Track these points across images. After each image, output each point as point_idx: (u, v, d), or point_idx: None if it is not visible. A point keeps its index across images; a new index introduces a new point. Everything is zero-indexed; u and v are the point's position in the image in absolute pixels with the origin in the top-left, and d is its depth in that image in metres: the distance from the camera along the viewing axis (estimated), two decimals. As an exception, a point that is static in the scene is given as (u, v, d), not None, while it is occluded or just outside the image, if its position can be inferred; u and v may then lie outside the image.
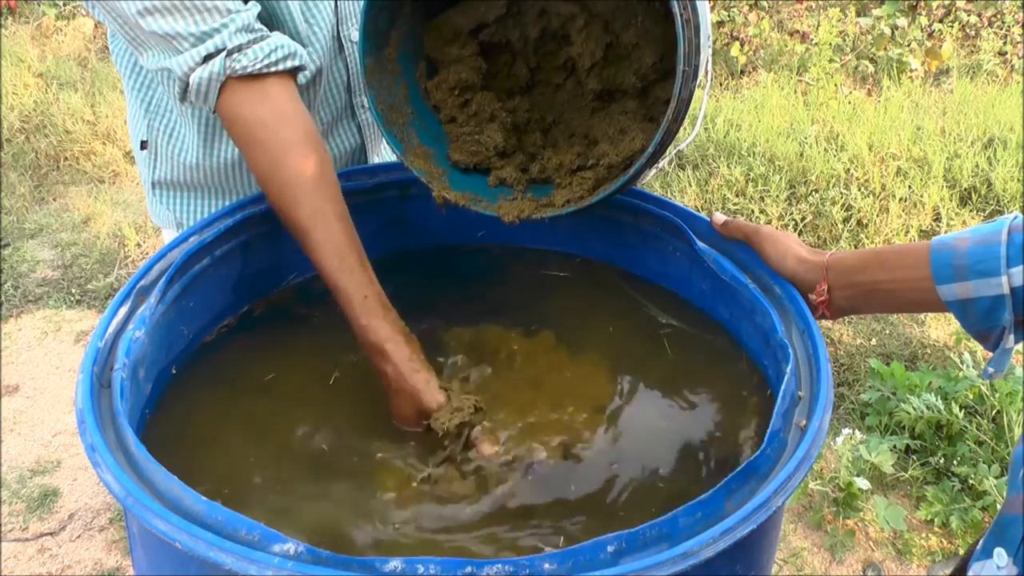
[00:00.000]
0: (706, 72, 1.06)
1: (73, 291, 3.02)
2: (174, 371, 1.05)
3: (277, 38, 1.07)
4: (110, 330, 0.93)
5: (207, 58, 1.03)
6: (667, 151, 1.06)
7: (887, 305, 1.00)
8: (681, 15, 0.95)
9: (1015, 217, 0.87)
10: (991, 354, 0.92)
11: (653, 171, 1.10)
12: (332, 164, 1.10)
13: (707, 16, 1.05)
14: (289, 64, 1.07)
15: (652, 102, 1.16)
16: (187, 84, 1.05)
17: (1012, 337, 0.87)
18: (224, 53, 1.03)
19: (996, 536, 0.80)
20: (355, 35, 1.25)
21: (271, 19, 1.13)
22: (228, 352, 1.10)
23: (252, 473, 0.95)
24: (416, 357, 1.02)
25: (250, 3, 1.07)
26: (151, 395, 1.00)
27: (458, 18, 1.18)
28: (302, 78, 1.15)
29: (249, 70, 1.04)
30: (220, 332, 1.13)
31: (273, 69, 1.06)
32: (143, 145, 1.30)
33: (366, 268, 1.05)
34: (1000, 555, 0.77)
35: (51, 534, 2.15)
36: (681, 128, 1.03)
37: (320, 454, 0.98)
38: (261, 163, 1.06)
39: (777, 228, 1.08)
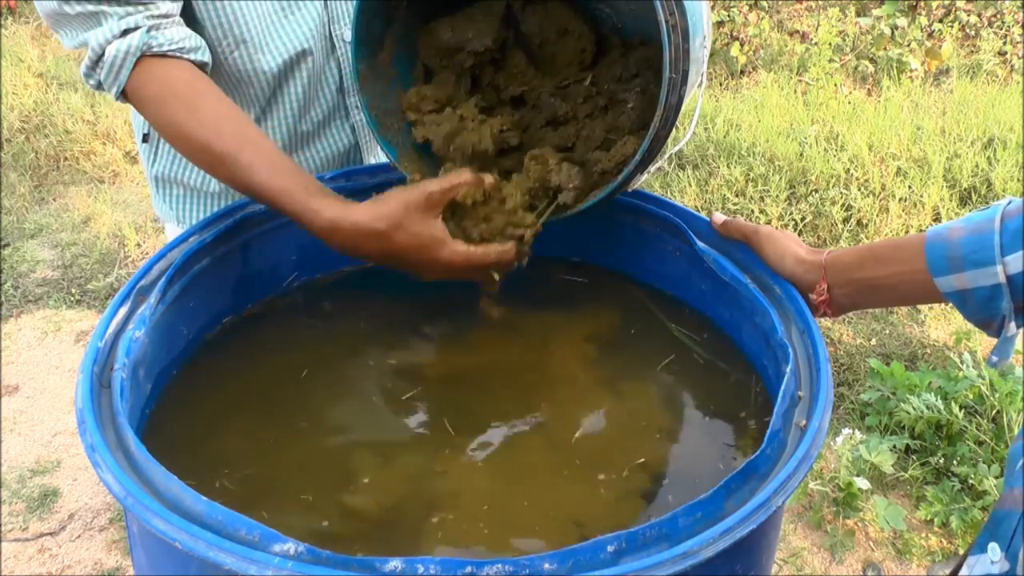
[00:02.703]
0: (699, 72, 1.06)
1: (73, 291, 3.02)
2: (174, 371, 1.05)
3: (187, 29, 1.10)
4: (110, 330, 0.93)
5: (125, 32, 1.05)
6: (657, 156, 1.06)
7: (888, 299, 0.99)
8: (667, 21, 0.94)
9: (1008, 202, 0.86)
10: (990, 354, 0.92)
11: (645, 175, 1.09)
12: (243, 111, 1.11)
13: (704, 18, 1.04)
14: (199, 56, 1.10)
15: (646, 106, 1.15)
16: (100, 57, 1.06)
17: (1013, 324, 0.87)
18: (144, 29, 1.05)
19: (991, 531, 0.80)
20: (347, 35, 1.25)
21: (218, 20, 1.15)
22: (228, 352, 1.10)
23: (252, 473, 0.95)
24: (378, 196, 0.97)
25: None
26: (151, 395, 1.00)
27: (445, 32, 1.16)
28: (263, 90, 1.18)
29: (164, 48, 1.06)
30: (220, 332, 1.13)
31: (186, 55, 1.08)
32: (145, 138, 1.30)
33: (301, 170, 1.02)
34: (994, 550, 0.77)
35: (51, 534, 2.15)
36: (678, 128, 1.03)
37: (320, 453, 0.98)
38: (176, 115, 1.05)
39: (777, 228, 1.08)
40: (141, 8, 1.06)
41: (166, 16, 1.08)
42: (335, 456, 0.98)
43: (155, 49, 1.06)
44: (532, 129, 1.18)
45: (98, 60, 1.07)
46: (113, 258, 3.18)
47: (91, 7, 1.05)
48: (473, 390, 1.07)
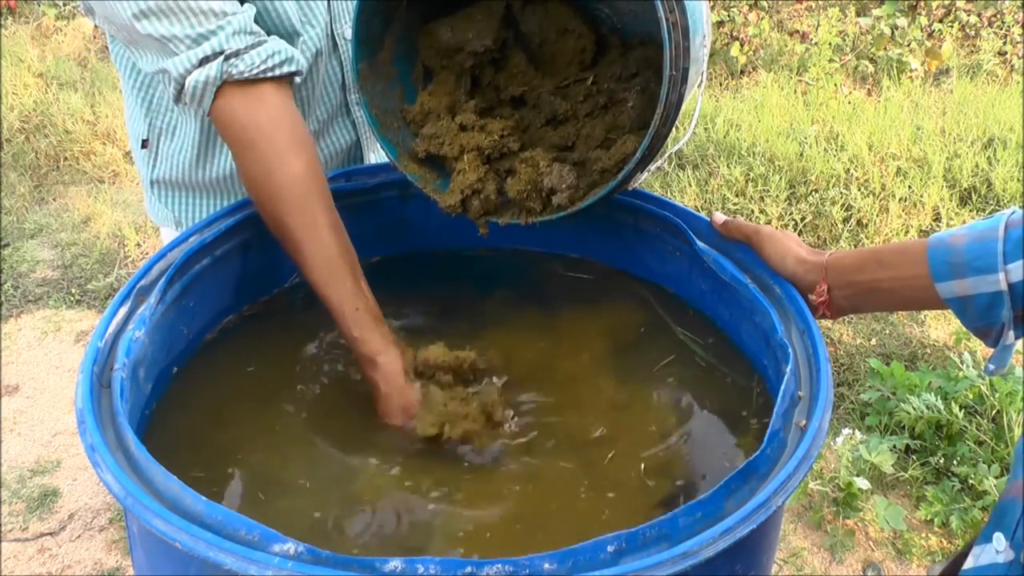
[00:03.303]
0: (699, 71, 1.06)
1: (73, 291, 3.02)
2: (174, 371, 1.05)
3: (274, 43, 1.07)
4: (110, 330, 0.93)
5: (203, 61, 1.02)
6: (657, 155, 1.06)
7: (887, 303, 1.00)
8: (667, 19, 0.94)
9: (1012, 212, 0.87)
10: (992, 351, 0.91)
11: (645, 173, 1.09)
12: (323, 171, 1.09)
13: (704, 17, 1.04)
14: (285, 69, 1.07)
15: (646, 104, 1.15)
16: (183, 86, 1.04)
17: (1012, 333, 0.87)
18: (221, 57, 1.02)
19: (995, 521, 0.80)
20: (349, 33, 1.25)
21: (266, 18, 1.13)
22: (228, 352, 1.10)
23: (252, 473, 0.95)
24: (408, 369, 1.03)
25: (246, 5, 1.07)
26: (151, 395, 1.00)
27: (445, 32, 1.16)
28: (297, 79, 1.15)
29: (246, 75, 1.03)
30: (220, 332, 1.13)
31: (269, 74, 1.05)
32: (144, 144, 1.30)
33: (358, 279, 1.05)
34: (999, 539, 0.78)
35: (51, 534, 2.15)
36: (677, 128, 1.02)
37: (321, 453, 0.98)
38: (254, 169, 1.05)
39: (777, 228, 1.08)
40: (212, 32, 1.02)
41: (243, 32, 1.04)
42: (338, 455, 0.98)
43: (236, 77, 1.03)
44: (532, 129, 1.18)
45: (181, 90, 1.05)
46: (113, 258, 3.18)
47: (162, 31, 1.02)
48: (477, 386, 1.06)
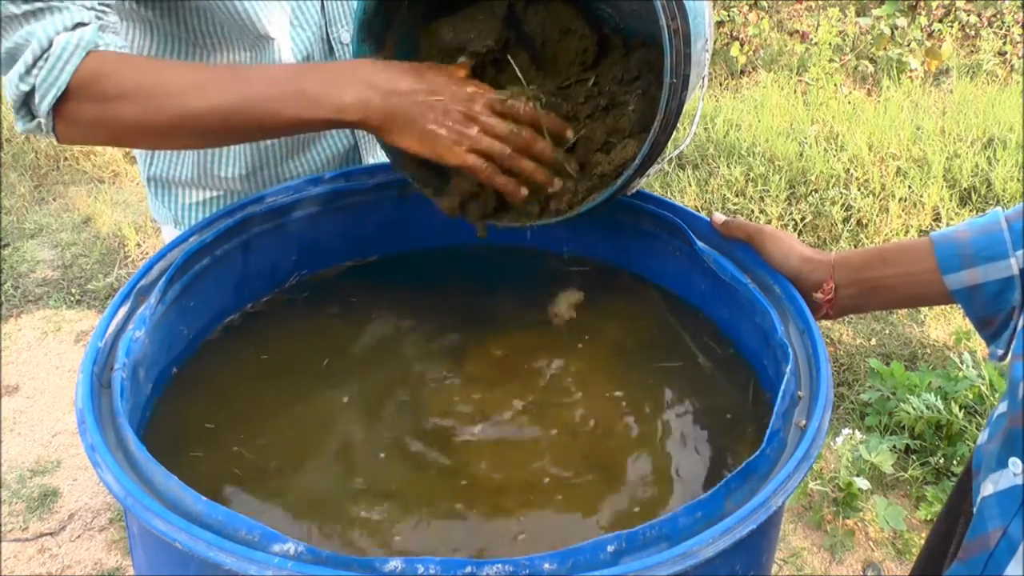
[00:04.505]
0: (701, 75, 1.06)
1: (73, 291, 3.03)
2: (174, 371, 1.05)
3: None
4: (110, 330, 0.93)
5: (77, 26, 0.97)
6: (657, 160, 1.06)
7: (890, 301, 1.02)
8: (669, 25, 0.94)
9: (1004, 210, 0.93)
10: (990, 353, 0.96)
11: (645, 178, 1.09)
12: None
13: (706, 21, 1.03)
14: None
15: (647, 108, 1.15)
16: (44, 51, 0.96)
17: (1023, 318, 0.91)
18: (95, 26, 0.98)
19: (1007, 448, 0.84)
20: (345, 37, 1.25)
21: (225, 17, 1.12)
22: (228, 352, 1.10)
23: (253, 473, 0.95)
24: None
25: None
26: (151, 395, 1.00)
27: (447, 33, 1.16)
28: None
29: (112, 50, 0.99)
30: (221, 332, 1.13)
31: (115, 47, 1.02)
32: None
33: (270, 67, 1.00)
34: (1015, 463, 0.82)
35: (51, 534, 2.15)
36: (678, 129, 1.02)
37: (322, 453, 0.98)
38: (151, 104, 0.98)
39: (777, 228, 1.09)
40: (96, 8, 0.99)
41: (112, 23, 1.02)
42: (340, 455, 0.98)
43: (100, 48, 0.98)
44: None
45: (41, 55, 0.96)
46: (113, 258, 3.18)
47: None
48: (477, 386, 1.07)
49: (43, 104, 0.97)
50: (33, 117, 0.99)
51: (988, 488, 0.86)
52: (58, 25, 0.96)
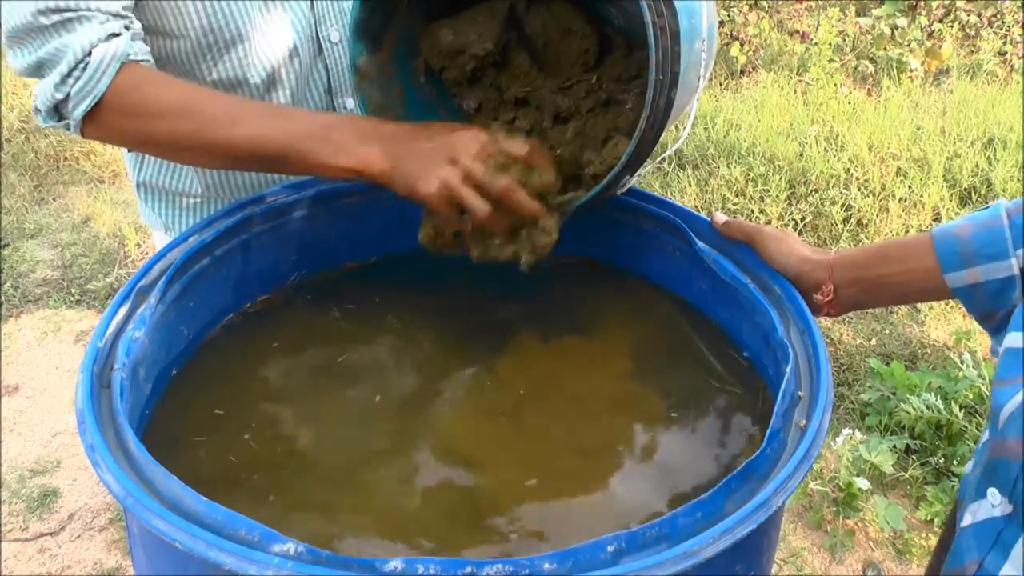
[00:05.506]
0: (698, 76, 1.05)
1: (73, 291, 3.02)
2: (174, 371, 1.05)
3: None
4: (110, 330, 0.93)
5: (111, 37, 1.02)
6: (647, 159, 1.06)
7: (891, 298, 1.02)
8: (655, 23, 0.94)
9: (1006, 202, 0.91)
10: (991, 348, 0.95)
11: (635, 177, 1.09)
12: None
13: (704, 21, 1.03)
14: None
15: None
16: (80, 62, 1.00)
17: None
18: (128, 36, 1.03)
19: (987, 478, 0.82)
20: (334, 36, 1.24)
21: (212, 19, 1.14)
22: (228, 352, 1.10)
23: (253, 473, 0.95)
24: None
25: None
26: (151, 395, 1.00)
27: (447, 34, 1.16)
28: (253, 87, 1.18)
29: (140, 58, 1.04)
30: (220, 332, 1.13)
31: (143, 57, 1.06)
32: None
33: (301, 111, 1.04)
34: (994, 495, 0.80)
35: (51, 534, 2.15)
36: (677, 129, 1.02)
37: (322, 453, 0.98)
38: (183, 126, 1.03)
39: (778, 228, 1.09)
40: (122, 16, 1.03)
41: (138, 30, 1.06)
42: (341, 455, 0.98)
43: (132, 58, 1.03)
44: (536, 130, 1.18)
45: (76, 66, 1.01)
46: (113, 258, 3.18)
47: (77, 5, 1.01)
48: (479, 384, 1.06)
49: (76, 111, 1.02)
50: (61, 118, 1.04)
51: (967, 518, 0.84)
52: (92, 36, 1.00)
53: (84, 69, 1.00)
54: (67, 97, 1.02)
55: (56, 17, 1.01)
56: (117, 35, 1.02)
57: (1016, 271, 0.88)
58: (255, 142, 1.02)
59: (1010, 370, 0.79)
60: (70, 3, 1.01)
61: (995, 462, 0.80)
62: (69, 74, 1.01)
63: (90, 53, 1.00)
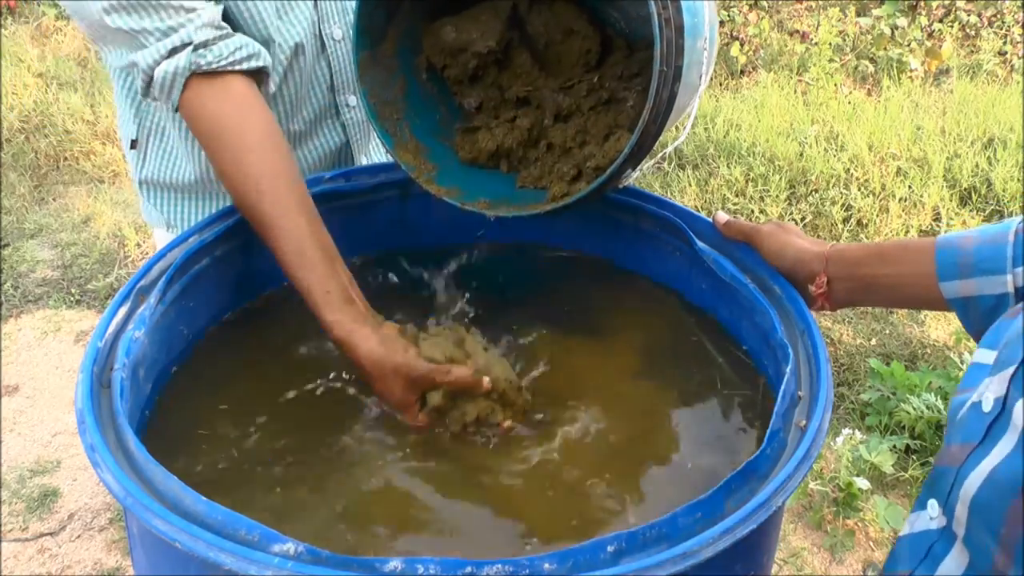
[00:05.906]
0: (700, 75, 1.05)
1: (73, 291, 3.02)
2: (174, 371, 1.05)
3: (240, 38, 1.08)
4: (110, 330, 0.93)
5: (172, 52, 1.04)
6: (649, 153, 1.06)
7: (886, 299, 1.00)
8: (660, 14, 0.94)
9: (1022, 220, 0.87)
10: None
11: (637, 172, 1.09)
12: (294, 160, 1.10)
13: (707, 20, 1.03)
14: (253, 64, 1.08)
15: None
16: (151, 78, 1.05)
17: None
18: (190, 48, 1.04)
19: (929, 487, 0.80)
20: (337, 33, 1.25)
21: (238, 19, 1.14)
22: (228, 352, 1.10)
23: (253, 473, 0.95)
24: (390, 335, 1.00)
25: (214, 2, 1.08)
26: (151, 395, 1.00)
27: (449, 33, 1.16)
28: (272, 86, 1.17)
29: (214, 66, 1.05)
30: (220, 332, 1.13)
31: (237, 67, 1.07)
32: (133, 144, 1.30)
33: (332, 262, 1.03)
34: (933, 506, 0.78)
35: (51, 534, 2.15)
36: (677, 128, 1.02)
37: (323, 452, 0.98)
38: (224, 157, 1.06)
39: (776, 222, 1.08)
40: (182, 24, 1.03)
41: (211, 25, 1.05)
42: (342, 455, 0.98)
43: (204, 67, 1.04)
44: (537, 128, 1.18)
45: (150, 82, 1.06)
46: (113, 258, 3.18)
47: (132, 24, 1.03)
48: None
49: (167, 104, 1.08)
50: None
51: (906, 527, 0.82)
52: (155, 55, 1.04)
53: (154, 87, 1.06)
54: (156, 98, 1.08)
55: (120, 23, 1.04)
56: (179, 48, 1.04)
57: (1011, 289, 0.85)
58: (264, 225, 1.03)
59: (970, 382, 0.76)
60: (132, 25, 1.04)
61: (939, 470, 0.78)
62: (147, 88, 1.08)
63: (153, 72, 1.05)
